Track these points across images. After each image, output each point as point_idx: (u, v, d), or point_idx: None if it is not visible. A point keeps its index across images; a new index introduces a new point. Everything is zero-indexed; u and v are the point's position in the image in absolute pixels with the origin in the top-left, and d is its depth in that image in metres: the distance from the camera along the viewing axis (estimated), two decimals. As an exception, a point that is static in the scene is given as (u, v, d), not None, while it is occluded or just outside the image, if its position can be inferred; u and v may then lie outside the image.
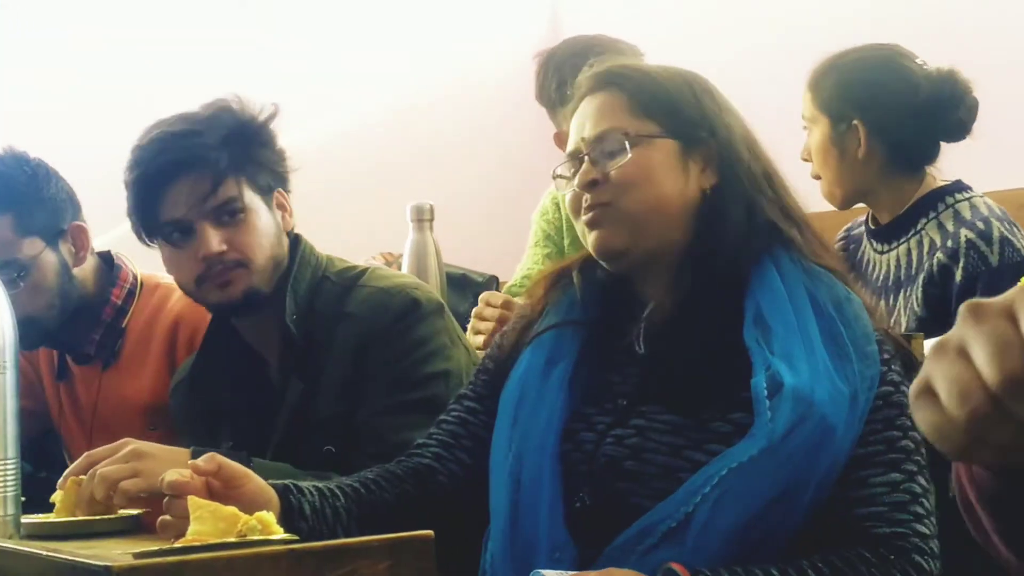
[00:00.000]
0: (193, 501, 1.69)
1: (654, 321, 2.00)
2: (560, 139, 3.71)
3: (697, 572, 1.72)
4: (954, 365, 0.84)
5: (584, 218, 1.99)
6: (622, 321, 2.03)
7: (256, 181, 2.39)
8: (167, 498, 1.80)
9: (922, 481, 1.86)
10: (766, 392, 1.82)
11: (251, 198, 2.38)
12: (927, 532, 1.82)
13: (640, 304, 2.03)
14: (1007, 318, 0.82)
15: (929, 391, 0.86)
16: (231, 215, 2.34)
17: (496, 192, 4.06)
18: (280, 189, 2.47)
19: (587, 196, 1.98)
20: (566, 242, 3.48)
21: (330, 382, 2.31)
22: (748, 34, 5.97)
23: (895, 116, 2.89)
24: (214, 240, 2.32)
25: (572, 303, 2.08)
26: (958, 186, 2.95)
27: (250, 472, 1.90)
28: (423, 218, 2.97)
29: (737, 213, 1.98)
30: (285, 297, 2.41)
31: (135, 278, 2.74)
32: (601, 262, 2.02)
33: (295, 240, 2.49)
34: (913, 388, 0.88)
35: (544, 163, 3.84)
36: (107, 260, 2.75)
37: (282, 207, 2.46)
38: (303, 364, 2.38)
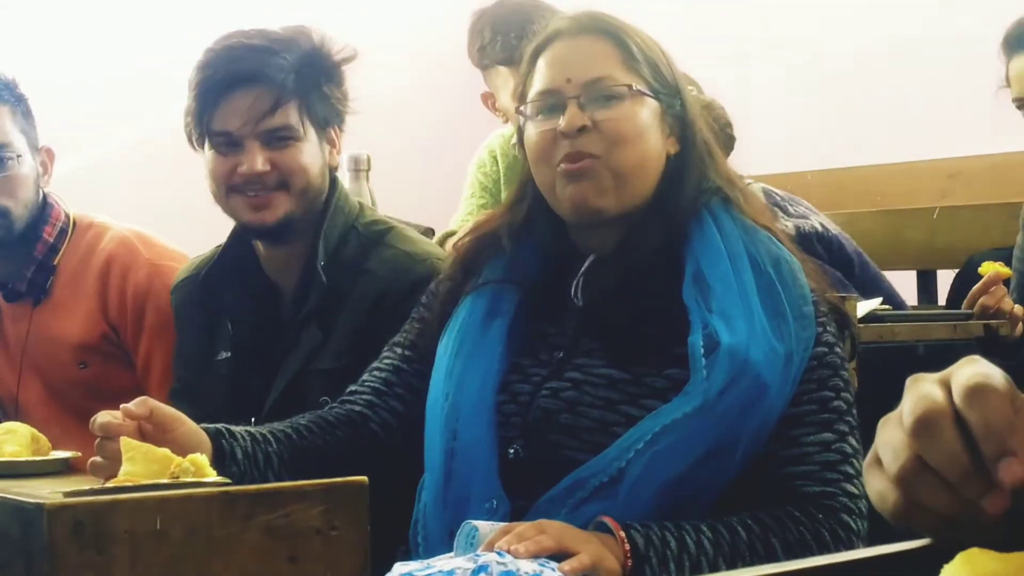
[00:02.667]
0: (126, 442, 1.69)
1: (593, 274, 2.00)
2: (487, 98, 3.75)
3: (629, 527, 1.73)
4: (893, 431, 0.86)
5: (564, 167, 1.94)
6: (560, 275, 2.03)
7: (315, 112, 2.39)
8: (99, 439, 1.80)
9: (853, 442, 1.88)
10: (703, 350, 1.83)
11: (306, 127, 2.37)
12: (856, 492, 1.84)
13: (580, 257, 2.03)
14: (940, 384, 0.85)
15: (877, 460, 0.89)
16: (282, 140, 2.34)
17: (432, 142, 4.06)
18: (336, 127, 2.46)
19: (569, 142, 1.93)
20: (503, 194, 3.48)
21: (341, 335, 2.31)
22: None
23: None
24: (259, 159, 2.32)
25: (511, 260, 2.07)
26: None
27: (182, 416, 1.89)
28: (360, 168, 2.95)
29: (692, 179, 1.99)
30: (313, 236, 2.41)
31: (67, 217, 2.72)
32: (571, 216, 1.99)
33: (332, 183, 2.49)
34: (867, 459, 0.91)
35: (480, 114, 3.85)
36: (41, 199, 2.72)
37: (332, 143, 2.45)
38: (321, 312, 2.37)
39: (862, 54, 5.12)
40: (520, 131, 2.06)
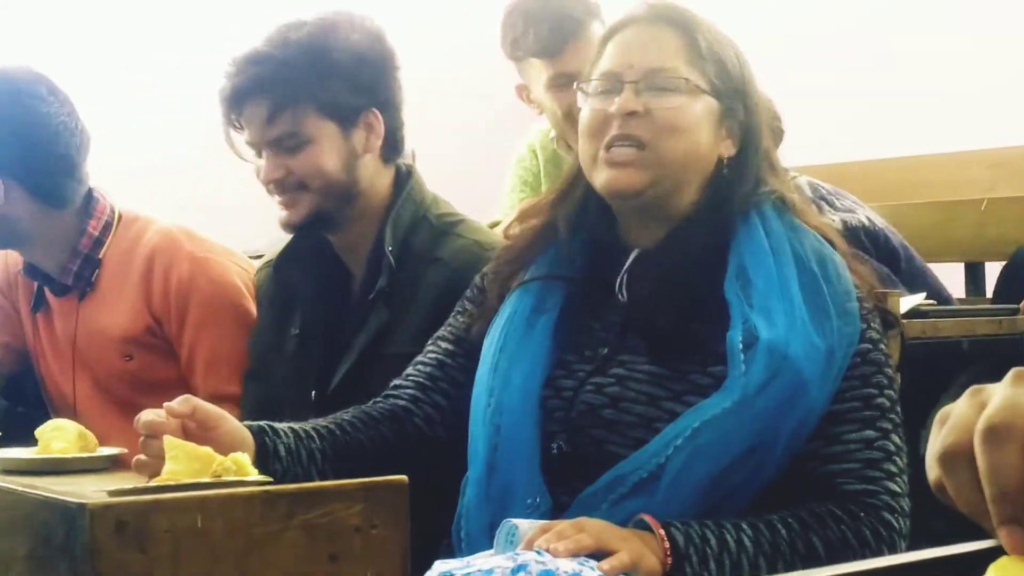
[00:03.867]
0: (169, 441, 1.70)
1: (637, 269, 1.99)
2: (521, 91, 3.74)
3: (668, 525, 1.73)
4: (963, 408, 0.87)
5: (609, 148, 1.94)
6: (606, 270, 2.02)
7: (331, 107, 2.38)
8: (143, 437, 1.81)
9: (896, 440, 1.87)
10: (741, 346, 1.82)
11: (316, 126, 2.37)
12: (898, 490, 1.83)
13: (625, 252, 2.02)
14: (978, 410, 0.85)
15: (940, 422, 0.89)
16: (290, 146, 2.36)
17: (474, 137, 4.06)
18: (372, 111, 2.44)
19: (619, 124, 1.93)
20: (543, 187, 3.47)
21: (411, 321, 2.31)
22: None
23: None
24: (271, 166, 2.36)
25: (558, 255, 2.06)
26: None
27: (225, 413, 1.90)
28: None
29: (748, 185, 1.98)
30: (381, 222, 2.43)
31: (112, 211, 2.73)
32: (606, 195, 1.98)
33: (407, 174, 2.51)
34: (938, 414, 0.89)
35: (520, 109, 3.85)
36: (86, 193, 2.74)
37: (368, 128, 2.44)
38: (390, 295, 2.38)
39: (906, 43, 5.08)
40: (557, 118, 2.07)
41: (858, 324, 1.88)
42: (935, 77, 5.02)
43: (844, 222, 2.78)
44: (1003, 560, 0.81)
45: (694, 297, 1.94)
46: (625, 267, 1.99)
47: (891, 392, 1.90)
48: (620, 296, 1.98)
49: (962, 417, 0.85)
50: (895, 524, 1.82)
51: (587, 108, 2.00)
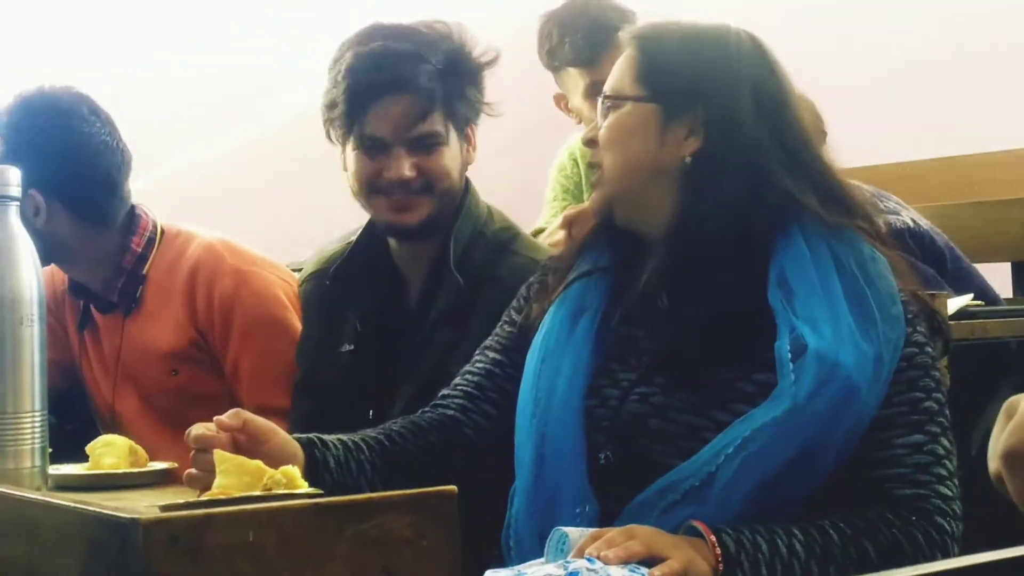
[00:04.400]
0: (220, 455, 1.71)
1: (675, 277, 1.99)
2: (559, 100, 3.77)
3: (719, 530, 1.73)
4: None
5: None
6: (637, 268, 2.03)
7: (457, 114, 2.44)
8: (193, 452, 1.82)
9: (945, 443, 1.86)
10: (790, 355, 1.82)
11: (449, 130, 2.42)
12: (949, 494, 1.83)
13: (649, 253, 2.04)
14: None
15: (1007, 416, 0.91)
16: (427, 146, 2.39)
17: (511, 146, 4.07)
18: (472, 124, 2.51)
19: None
20: (585, 196, 3.48)
21: (473, 341, 2.29)
22: None
23: None
24: (405, 165, 2.37)
25: (595, 256, 2.08)
26: None
27: (275, 427, 1.91)
28: None
29: (729, 180, 1.96)
30: (444, 235, 2.45)
31: (155, 227, 2.75)
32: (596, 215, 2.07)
33: (465, 185, 2.52)
34: (1004, 406, 0.92)
35: (558, 119, 3.86)
36: (128, 210, 2.76)
37: (469, 141, 2.50)
38: (454, 313, 2.40)
39: (947, 42, 5.06)
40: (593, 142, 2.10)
41: (903, 327, 1.88)
42: (975, 76, 5.00)
43: (888, 224, 2.78)
44: None
45: (736, 304, 1.94)
46: (657, 275, 2.00)
47: (939, 395, 1.89)
48: (661, 302, 1.98)
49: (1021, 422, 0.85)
50: (947, 527, 1.80)
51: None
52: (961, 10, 5.15)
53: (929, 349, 1.92)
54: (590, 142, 2.00)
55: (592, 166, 1.99)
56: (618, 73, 2.04)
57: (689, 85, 2.01)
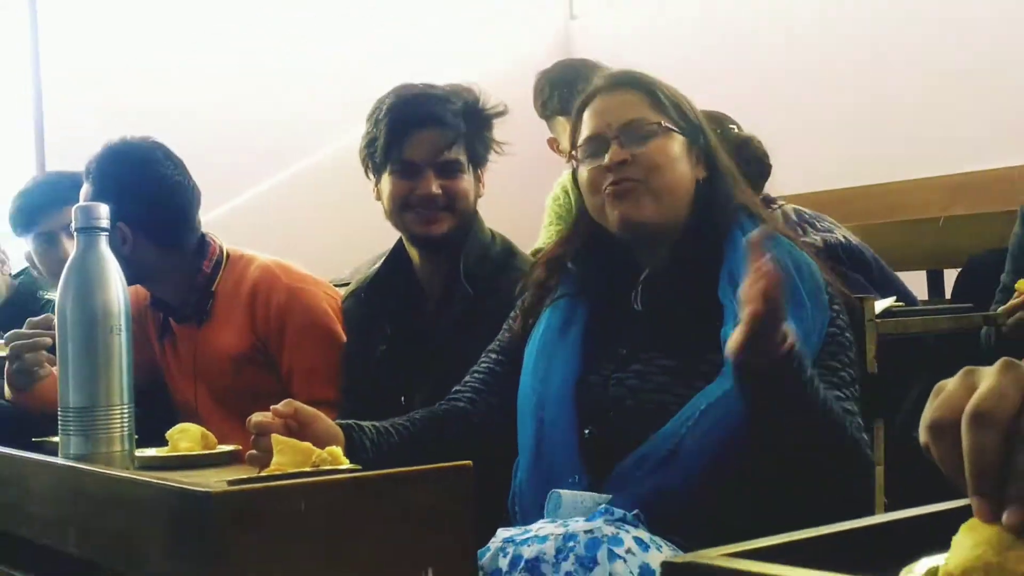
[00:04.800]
0: (275, 438, 1.72)
1: (650, 283, 2.01)
2: (552, 143, 3.82)
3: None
4: (955, 386, 0.87)
5: (610, 190, 1.98)
6: (623, 289, 2.04)
7: (474, 152, 2.49)
8: (254, 436, 1.82)
9: (852, 407, 1.88)
10: None
11: (467, 163, 2.47)
12: (863, 435, 1.86)
13: (637, 269, 2.04)
14: (966, 391, 0.86)
15: (936, 394, 0.89)
16: (451, 171, 2.44)
17: (514, 182, 4.10)
18: (482, 167, 2.54)
19: (613, 174, 1.97)
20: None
21: (482, 340, 2.30)
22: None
23: None
24: (433, 185, 2.41)
25: (578, 279, 2.11)
26: (766, 199, 3.05)
27: (320, 414, 1.92)
28: None
29: (721, 200, 2.03)
30: (455, 253, 2.47)
31: (222, 251, 2.77)
32: (619, 231, 2.01)
33: (473, 215, 2.54)
34: (936, 387, 0.90)
35: (548, 159, 3.89)
36: (199, 238, 2.77)
37: (479, 179, 2.53)
38: (464, 317, 2.43)
39: (872, 89, 5.09)
40: (574, 172, 2.09)
41: (828, 312, 1.90)
42: (900, 116, 5.01)
43: (825, 240, 2.79)
44: (972, 521, 0.81)
45: (696, 302, 1.94)
46: (640, 282, 2.01)
47: (852, 371, 1.91)
48: (636, 306, 2.00)
49: (953, 395, 0.86)
50: (864, 442, 1.85)
51: (583, 170, 2.04)
52: (888, 66, 5.18)
53: (848, 335, 1.93)
54: (619, 164, 1.96)
55: (623, 181, 1.96)
56: (631, 108, 2.02)
57: (696, 123, 2.07)
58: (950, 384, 0.88)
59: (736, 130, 3.05)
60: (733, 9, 5.95)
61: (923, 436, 0.87)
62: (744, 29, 5.85)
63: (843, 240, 2.82)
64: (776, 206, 3.02)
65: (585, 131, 2.06)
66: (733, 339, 1.66)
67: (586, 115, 2.07)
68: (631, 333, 2.02)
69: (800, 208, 3.00)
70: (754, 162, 3.01)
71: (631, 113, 2.01)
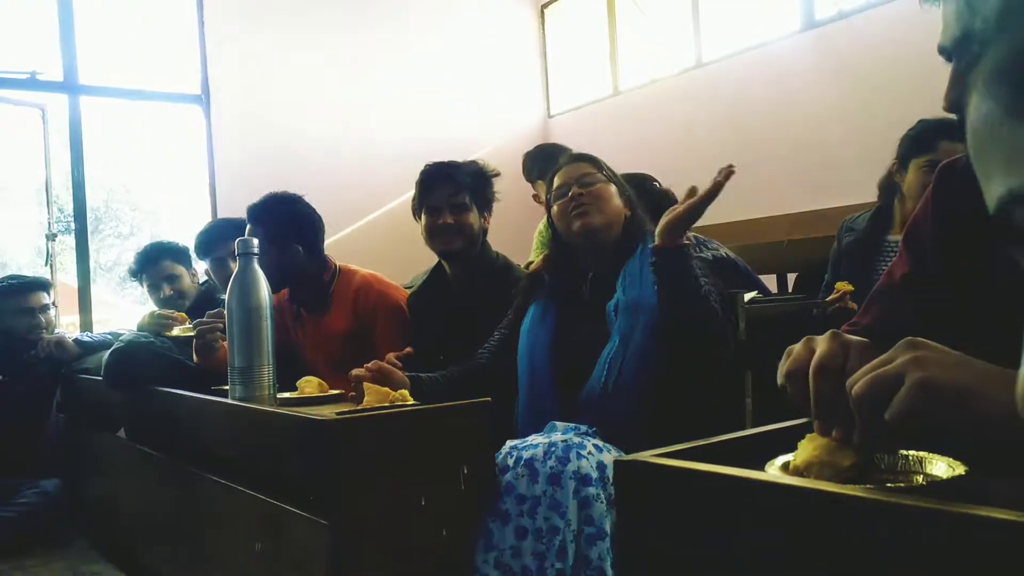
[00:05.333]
0: (366, 385, 1.73)
1: (593, 282, 2.02)
2: (535, 196, 3.87)
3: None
4: (799, 349, 0.89)
5: (573, 211, 2.00)
6: (577, 287, 2.06)
7: (479, 199, 2.45)
8: (353, 384, 1.84)
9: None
10: (614, 310, 1.90)
11: (472, 205, 2.43)
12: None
13: (583, 274, 2.05)
14: (807, 350, 0.88)
15: (787, 355, 0.91)
16: (460, 209, 2.41)
17: (512, 221, 4.12)
18: (486, 212, 2.50)
19: (573, 204, 2.00)
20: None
21: (492, 322, 2.27)
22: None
23: None
24: (449, 217, 2.39)
25: (551, 287, 2.10)
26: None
27: (395, 369, 1.92)
28: None
29: (637, 228, 2.03)
30: (473, 267, 2.46)
31: (335, 265, 2.77)
32: (581, 237, 2.01)
33: (483, 240, 2.51)
34: (785, 352, 0.92)
35: (533, 207, 3.88)
36: (323, 257, 2.78)
37: (485, 219, 2.49)
38: (480, 307, 2.41)
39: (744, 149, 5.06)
40: (549, 214, 2.11)
41: None
42: (762, 171, 4.99)
43: (713, 255, 2.80)
44: (811, 435, 0.83)
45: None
46: (588, 282, 2.04)
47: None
48: (585, 295, 2.03)
49: (800, 353, 0.88)
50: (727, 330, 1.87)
51: (555, 207, 2.06)
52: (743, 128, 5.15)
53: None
54: (578, 195, 2.00)
55: (581, 205, 1.99)
56: (585, 171, 2.05)
57: (621, 181, 2.08)
58: (797, 346, 0.89)
59: (658, 185, 3.05)
60: (648, 109, 5.96)
61: (780, 380, 0.89)
62: (660, 118, 5.85)
63: (724, 255, 2.83)
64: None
65: (556, 183, 2.08)
66: (667, 217, 1.77)
67: (556, 177, 2.10)
68: (583, 313, 2.02)
69: (697, 234, 3.00)
70: (667, 205, 3.01)
71: (583, 171, 2.05)
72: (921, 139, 2.66)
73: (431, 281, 2.57)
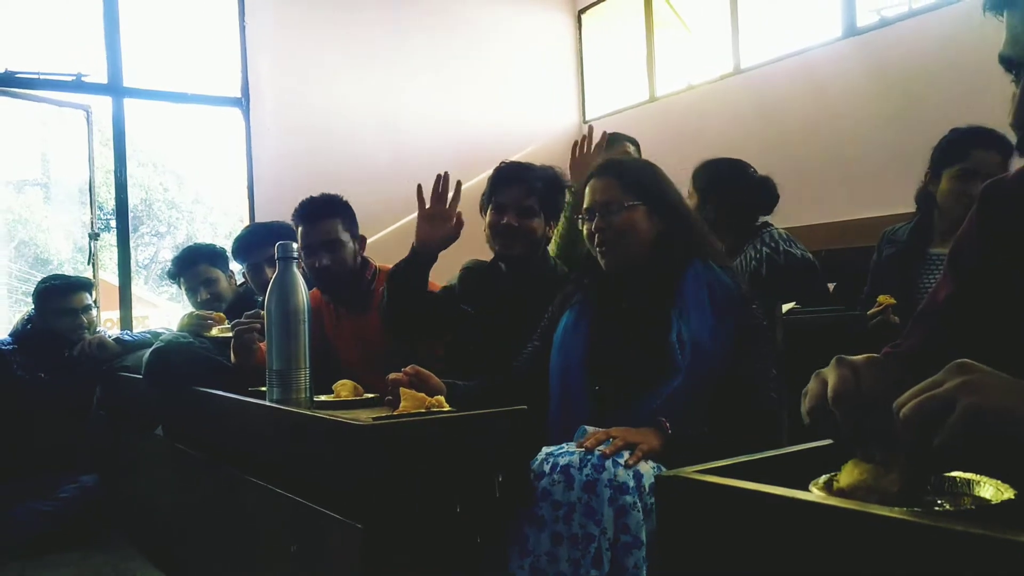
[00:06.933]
0: (402, 390, 1.73)
1: (630, 289, 1.96)
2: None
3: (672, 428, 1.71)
4: (815, 384, 0.90)
5: (598, 249, 1.96)
6: (611, 296, 2.00)
7: (545, 206, 2.41)
8: (390, 388, 1.84)
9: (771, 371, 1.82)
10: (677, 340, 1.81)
11: (540, 211, 2.40)
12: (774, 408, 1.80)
13: (626, 283, 1.98)
14: (821, 384, 0.88)
15: (805, 393, 0.92)
16: (528, 213, 2.37)
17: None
18: (553, 221, 2.47)
19: (597, 236, 1.95)
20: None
21: (534, 323, 2.21)
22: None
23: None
24: (514, 219, 2.35)
25: (584, 294, 2.05)
26: (764, 224, 2.96)
27: (431, 374, 1.91)
28: None
29: (673, 243, 1.94)
30: (527, 270, 2.42)
31: (375, 267, 2.78)
32: (606, 270, 1.97)
33: (545, 247, 2.48)
34: (805, 389, 0.92)
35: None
36: (363, 258, 2.80)
37: (550, 227, 2.46)
38: (526, 310, 2.33)
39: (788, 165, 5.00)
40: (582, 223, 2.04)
41: (741, 310, 1.84)
42: (800, 179, 4.91)
43: (802, 253, 2.79)
44: (854, 459, 0.83)
45: (661, 310, 1.89)
46: (626, 290, 1.97)
47: (767, 348, 1.85)
48: (625, 304, 1.96)
49: (815, 389, 0.88)
50: (773, 427, 1.79)
51: (584, 228, 2.01)
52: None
53: (763, 322, 1.87)
54: (600, 229, 1.93)
55: (603, 243, 1.93)
56: (608, 191, 1.95)
57: (657, 194, 1.96)
58: (810, 384, 0.89)
59: (754, 172, 3.01)
60: (688, 108, 5.92)
61: (805, 420, 0.89)
62: (697, 125, 5.80)
63: (812, 260, 2.80)
64: (768, 228, 2.93)
65: (585, 202, 2.02)
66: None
67: (587, 190, 2.03)
68: (619, 322, 1.95)
69: (784, 230, 2.94)
70: (767, 194, 2.97)
71: (607, 195, 1.95)
72: (953, 148, 2.62)
73: (485, 275, 2.52)
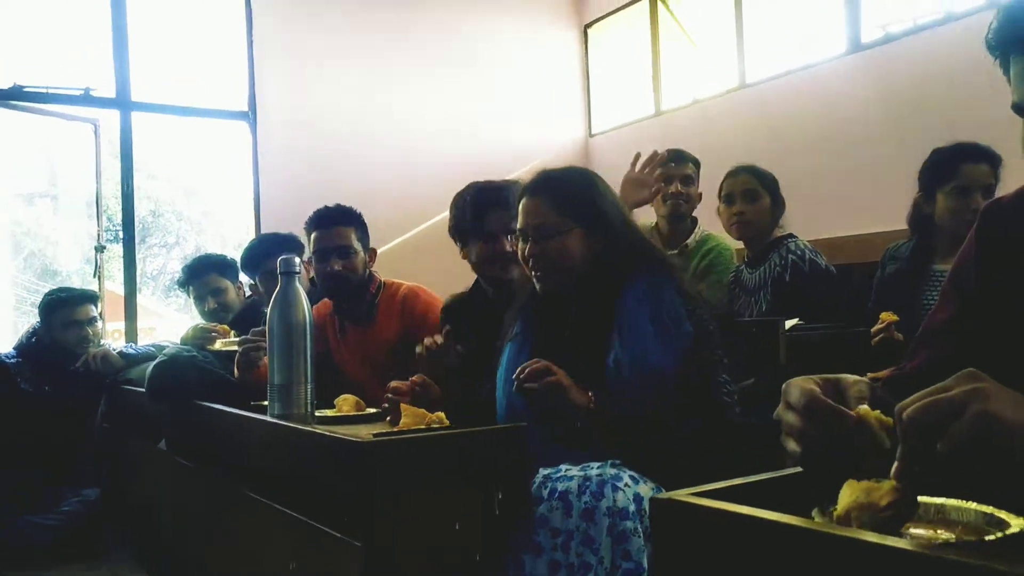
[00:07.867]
0: (403, 407, 1.73)
1: (575, 315, 1.88)
2: None
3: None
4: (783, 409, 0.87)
5: (532, 271, 1.87)
6: (552, 321, 1.92)
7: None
8: (390, 401, 1.83)
9: (723, 378, 1.78)
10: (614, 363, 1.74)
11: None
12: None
13: (566, 308, 1.90)
14: (786, 408, 0.86)
15: (784, 408, 0.88)
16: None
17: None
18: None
19: (531, 260, 1.86)
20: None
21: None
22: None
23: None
24: (507, 244, 2.22)
25: (527, 315, 1.97)
26: (789, 235, 2.99)
27: (435, 384, 1.90)
28: None
29: (612, 261, 1.84)
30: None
31: (380, 280, 2.79)
32: (541, 292, 1.89)
33: None
34: (779, 408, 0.89)
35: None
36: (369, 272, 2.81)
37: None
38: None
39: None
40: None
41: (689, 317, 1.76)
42: (804, 194, 4.91)
43: (826, 264, 2.83)
44: (849, 481, 0.79)
45: (598, 327, 1.81)
46: (569, 316, 1.89)
47: (719, 352, 1.77)
48: (566, 332, 1.88)
49: (785, 418, 0.86)
50: (731, 423, 1.73)
51: (519, 249, 1.93)
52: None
53: (711, 327, 1.78)
54: (532, 255, 1.85)
55: (536, 268, 1.85)
56: (541, 214, 1.83)
57: (594, 212, 1.85)
58: (781, 414, 0.86)
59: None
60: (691, 123, 5.92)
61: (791, 452, 0.85)
62: (702, 139, 5.80)
63: (833, 271, 2.85)
64: (793, 237, 2.97)
65: (519, 223, 1.90)
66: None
67: (519, 208, 1.91)
68: (562, 346, 1.85)
69: (807, 243, 2.95)
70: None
71: (540, 218, 1.84)
72: (942, 167, 2.65)
73: (468, 300, 2.45)
